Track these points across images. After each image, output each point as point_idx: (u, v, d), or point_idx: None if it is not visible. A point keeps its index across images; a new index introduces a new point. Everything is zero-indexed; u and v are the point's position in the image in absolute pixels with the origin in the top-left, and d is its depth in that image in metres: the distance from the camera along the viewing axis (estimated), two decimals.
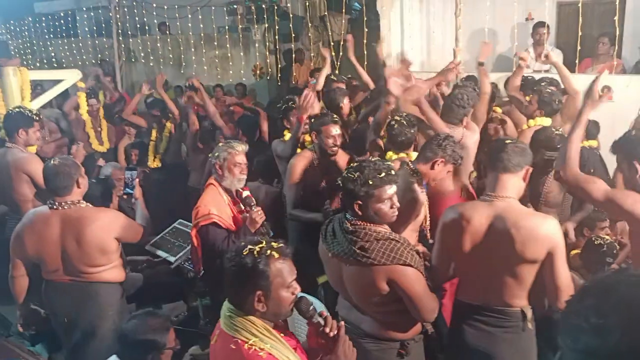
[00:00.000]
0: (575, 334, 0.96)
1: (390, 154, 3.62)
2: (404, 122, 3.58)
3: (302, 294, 2.01)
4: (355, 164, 2.47)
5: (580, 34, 5.23)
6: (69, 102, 6.37)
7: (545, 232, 2.33)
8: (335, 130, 3.83)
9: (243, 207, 3.60)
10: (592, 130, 4.56)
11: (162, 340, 2.53)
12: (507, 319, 2.46)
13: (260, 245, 1.92)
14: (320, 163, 3.95)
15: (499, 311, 2.46)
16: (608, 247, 3.58)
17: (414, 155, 3.54)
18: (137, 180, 3.65)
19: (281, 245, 1.96)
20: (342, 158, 4.03)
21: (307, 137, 4.25)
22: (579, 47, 5.31)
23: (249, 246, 1.92)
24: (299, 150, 4.34)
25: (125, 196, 3.72)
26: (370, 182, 2.36)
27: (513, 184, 2.45)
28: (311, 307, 1.99)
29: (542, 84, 4.63)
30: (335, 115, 3.91)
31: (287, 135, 4.42)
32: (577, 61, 5.45)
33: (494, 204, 2.43)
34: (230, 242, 3.49)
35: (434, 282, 2.53)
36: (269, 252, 1.91)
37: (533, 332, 2.50)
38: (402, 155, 3.55)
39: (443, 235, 2.57)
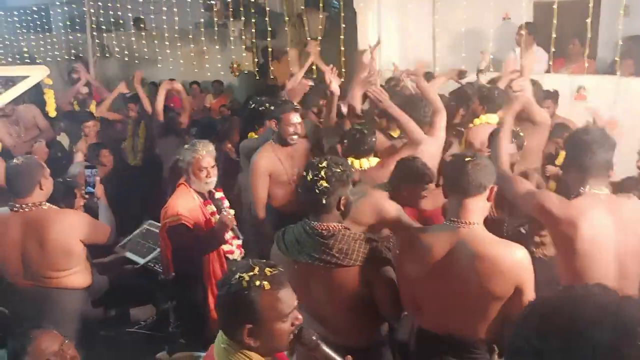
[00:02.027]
0: (518, 356, 0.91)
1: (351, 159, 3.53)
2: (365, 131, 3.54)
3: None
4: (321, 161, 2.36)
5: (554, 35, 5.23)
6: (64, 98, 6.28)
7: (512, 264, 2.12)
8: (296, 118, 3.82)
9: (215, 209, 3.54)
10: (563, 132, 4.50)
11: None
12: (474, 352, 2.28)
13: (251, 274, 1.67)
14: (282, 154, 3.91)
15: (465, 343, 2.28)
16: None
17: (373, 160, 3.54)
18: (98, 178, 3.53)
19: (276, 272, 1.71)
20: (303, 146, 4.07)
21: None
22: (552, 49, 5.32)
23: (239, 273, 1.68)
24: (251, 135, 4.36)
25: (87, 195, 3.59)
26: (349, 175, 2.34)
27: (478, 207, 2.23)
28: (313, 337, 1.79)
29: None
30: (295, 103, 3.90)
31: (251, 135, 4.43)
32: (550, 62, 5.47)
33: (457, 231, 2.21)
34: (199, 245, 3.43)
35: (399, 309, 2.42)
36: (258, 282, 1.66)
37: None
38: (362, 160, 3.53)
39: (401, 259, 2.38)
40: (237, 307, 1.67)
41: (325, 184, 2.28)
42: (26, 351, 2.22)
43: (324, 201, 2.29)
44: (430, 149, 3.55)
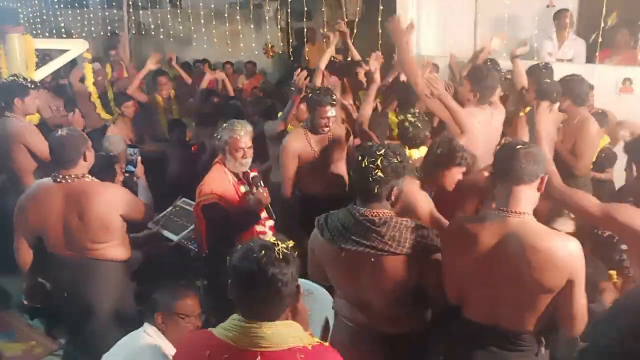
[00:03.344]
0: (604, 357, 0.85)
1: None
2: (419, 125, 3.44)
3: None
4: (379, 149, 2.29)
5: (602, 25, 5.03)
6: (74, 72, 6.29)
7: (566, 256, 2.06)
8: (331, 112, 3.80)
9: (249, 188, 3.52)
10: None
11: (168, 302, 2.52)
12: (520, 343, 2.23)
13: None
14: (313, 139, 3.95)
15: (512, 334, 2.23)
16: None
17: (423, 150, 3.44)
18: (139, 158, 3.54)
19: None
20: (338, 131, 4.09)
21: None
22: (599, 39, 5.13)
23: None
24: (290, 128, 4.29)
25: (126, 174, 3.61)
26: (405, 167, 2.30)
27: (528, 196, 2.17)
28: None
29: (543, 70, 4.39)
30: (334, 97, 3.83)
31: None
32: (597, 52, 5.28)
33: (507, 221, 2.15)
34: (234, 222, 3.41)
35: (442, 299, 2.38)
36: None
37: (547, 357, 2.30)
38: (413, 151, 3.45)
39: (446, 250, 2.31)
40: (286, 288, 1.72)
41: (380, 174, 2.23)
42: (169, 306, 2.49)
43: (376, 190, 2.25)
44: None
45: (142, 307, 2.63)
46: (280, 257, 1.71)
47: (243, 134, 3.39)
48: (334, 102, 3.80)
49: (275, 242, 1.77)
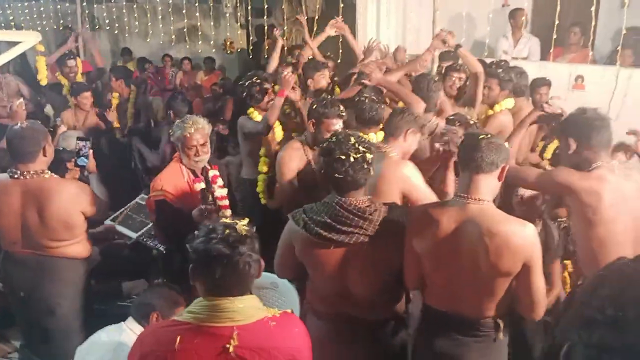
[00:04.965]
0: (589, 327, 0.88)
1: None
2: (374, 98, 3.47)
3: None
4: (351, 137, 2.35)
5: (557, 22, 5.19)
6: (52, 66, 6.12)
7: (521, 240, 2.15)
8: (339, 125, 3.43)
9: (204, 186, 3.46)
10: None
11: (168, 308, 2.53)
12: (478, 328, 2.31)
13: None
14: (313, 155, 3.54)
15: (470, 320, 2.31)
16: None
17: (380, 135, 3.44)
18: (91, 151, 3.39)
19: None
20: None
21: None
22: (554, 36, 5.28)
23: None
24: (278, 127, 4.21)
25: (77, 168, 3.44)
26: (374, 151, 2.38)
27: (488, 184, 2.25)
28: None
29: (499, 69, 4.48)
30: (342, 108, 3.48)
31: (254, 113, 4.26)
32: (551, 50, 5.44)
33: (466, 207, 2.23)
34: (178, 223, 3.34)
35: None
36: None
37: (505, 341, 2.39)
38: (370, 135, 3.43)
39: (409, 235, 2.36)
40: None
41: (366, 161, 2.30)
42: (169, 310, 2.50)
43: (363, 179, 2.32)
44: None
45: (129, 304, 2.60)
46: (244, 234, 1.81)
47: (193, 131, 3.27)
48: (343, 114, 3.45)
49: (234, 221, 1.86)
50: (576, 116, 2.83)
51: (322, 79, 4.61)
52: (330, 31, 5.28)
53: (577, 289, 2.54)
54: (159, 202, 3.29)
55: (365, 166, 2.31)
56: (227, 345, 1.70)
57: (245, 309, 1.77)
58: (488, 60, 4.85)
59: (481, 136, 2.29)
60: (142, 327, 2.47)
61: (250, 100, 4.26)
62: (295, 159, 3.56)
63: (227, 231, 1.79)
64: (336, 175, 2.30)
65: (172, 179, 3.34)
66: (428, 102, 3.79)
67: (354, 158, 2.28)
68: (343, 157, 2.29)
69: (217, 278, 1.76)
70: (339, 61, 6.18)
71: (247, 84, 4.27)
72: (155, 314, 2.50)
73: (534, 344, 3.03)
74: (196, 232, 1.85)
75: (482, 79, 4.23)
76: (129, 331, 2.48)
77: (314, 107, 3.46)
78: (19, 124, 3.05)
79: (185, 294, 3.38)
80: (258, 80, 4.23)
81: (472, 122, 3.46)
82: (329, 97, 3.64)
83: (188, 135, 3.27)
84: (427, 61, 5.03)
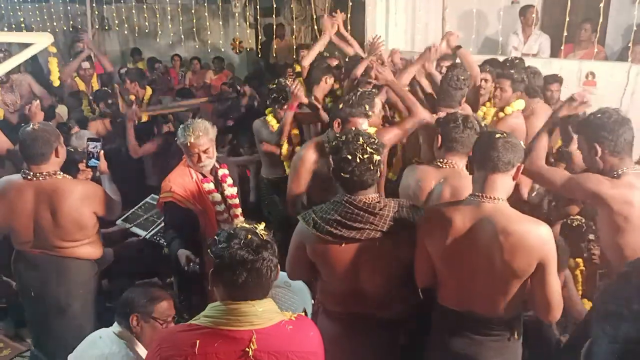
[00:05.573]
0: (615, 322, 0.88)
1: None
2: (360, 93, 3.36)
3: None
4: (359, 136, 2.36)
5: (567, 19, 5.16)
6: (66, 70, 6.21)
7: (536, 240, 2.13)
8: (365, 124, 3.27)
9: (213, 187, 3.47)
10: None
11: (146, 305, 2.47)
12: (492, 328, 2.29)
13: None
14: None
15: (484, 320, 2.29)
16: (585, 224, 3.57)
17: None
18: (102, 152, 3.39)
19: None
20: None
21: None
22: (565, 33, 5.25)
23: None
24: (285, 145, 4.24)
25: (89, 169, 3.44)
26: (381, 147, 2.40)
27: (503, 184, 2.24)
28: None
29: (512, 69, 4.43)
30: (368, 108, 3.30)
31: (270, 116, 4.33)
32: (562, 47, 5.40)
33: (481, 206, 2.22)
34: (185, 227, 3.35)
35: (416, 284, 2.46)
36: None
37: (520, 341, 2.38)
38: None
39: (422, 235, 2.35)
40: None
41: (378, 158, 2.32)
42: (146, 309, 2.45)
43: (370, 179, 2.34)
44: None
45: (113, 305, 2.56)
46: (265, 239, 1.83)
47: (194, 139, 3.23)
48: (370, 114, 3.31)
49: (253, 226, 1.87)
50: (601, 119, 2.68)
51: (327, 85, 4.61)
52: (331, 31, 5.23)
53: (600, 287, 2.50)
54: (168, 203, 3.32)
55: (372, 167, 2.31)
56: (247, 349, 1.73)
57: (265, 313, 1.80)
58: (501, 59, 4.81)
59: (497, 135, 2.26)
60: (127, 330, 2.44)
61: (272, 102, 4.33)
62: (314, 160, 3.33)
63: (250, 236, 1.80)
64: (342, 174, 2.32)
65: (181, 180, 3.35)
66: (447, 96, 3.74)
67: (360, 159, 2.30)
68: (350, 157, 2.30)
69: (240, 283, 1.77)
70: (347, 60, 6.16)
71: (274, 87, 4.33)
72: (134, 316, 2.44)
73: (549, 344, 3.02)
74: (216, 237, 1.85)
75: (477, 82, 4.24)
76: (114, 337, 2.43)
77: (340, 106, 3.30)
78: (31, 125, 3.07)
79: (196, 295, 3.43)
80: (285, 87, 4.23)
81: (482, 125, 3.42)
82: (355, 94, 3.37)
83: (189, 143, 3.26)
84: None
